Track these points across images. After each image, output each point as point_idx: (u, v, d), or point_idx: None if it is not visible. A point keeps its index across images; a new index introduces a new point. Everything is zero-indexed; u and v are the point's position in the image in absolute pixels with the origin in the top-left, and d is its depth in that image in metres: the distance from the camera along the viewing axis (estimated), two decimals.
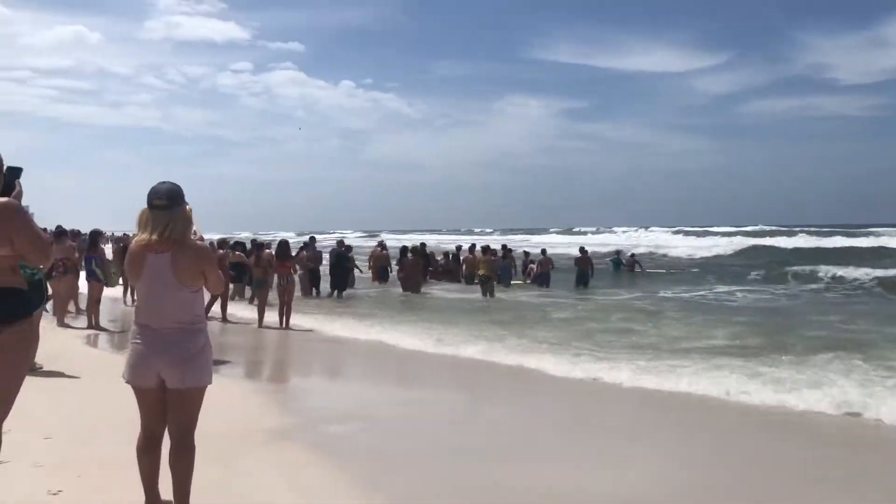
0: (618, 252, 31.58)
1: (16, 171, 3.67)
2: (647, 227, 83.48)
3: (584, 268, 24.05)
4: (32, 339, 3.54)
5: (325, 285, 20.66)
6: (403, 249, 22.62)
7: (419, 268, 21.75)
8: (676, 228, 76.41)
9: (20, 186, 3.65)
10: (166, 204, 3.76)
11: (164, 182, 3.86)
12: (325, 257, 22.14)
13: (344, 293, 20.30)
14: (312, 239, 21.98)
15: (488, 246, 23.03)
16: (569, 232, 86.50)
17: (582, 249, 25.74)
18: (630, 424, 7.07)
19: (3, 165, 3.54)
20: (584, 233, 79.18)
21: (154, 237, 3.74)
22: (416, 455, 5.80)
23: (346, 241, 24.68)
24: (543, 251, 25.81)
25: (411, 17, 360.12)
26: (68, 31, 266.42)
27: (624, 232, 76.86)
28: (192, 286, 3.82)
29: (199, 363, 3.84)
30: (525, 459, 5.59)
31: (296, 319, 14.42)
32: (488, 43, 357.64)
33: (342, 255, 21.09)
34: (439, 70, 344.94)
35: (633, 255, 31.99)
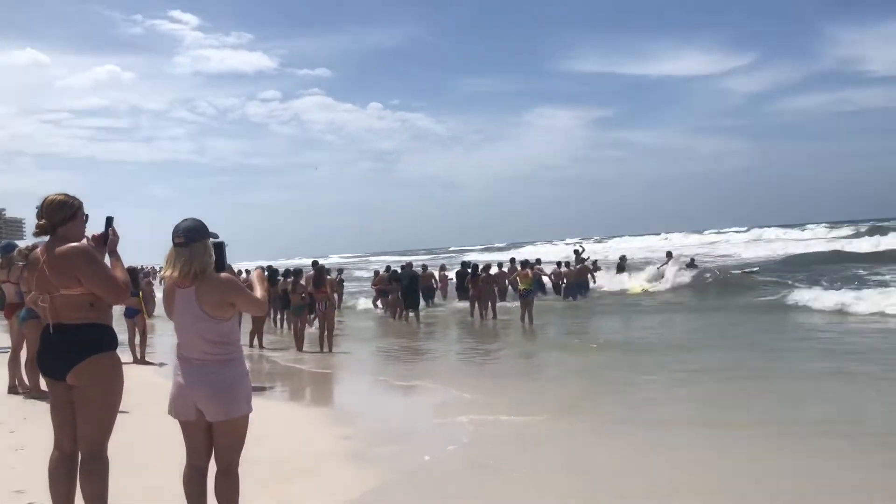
0: (668, 253, 29.48)
1: (109, 220, 4.13)
2: (701, 231, 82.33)
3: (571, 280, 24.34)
4: (115, 371, 3.90)
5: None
6: (475, 268, 21.76)
7: (491, 287, 20.83)
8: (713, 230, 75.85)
9: (114, 233, 4.11)
10: (184, 241, 3.86)
11: (186, 219, 3.97)
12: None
13: (421, 313, 20.59)
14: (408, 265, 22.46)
15: (527, 260, 22.89)
16: (606, 238, 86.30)
17: (578, 257, 25.79)
18: None
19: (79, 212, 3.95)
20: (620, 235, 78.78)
21: (175, 273, 3.85)
22: (464, 477, 5.71)
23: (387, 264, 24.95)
24: (576, 256, 25.81)
25: (435, 36, 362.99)
26: (104, 72, 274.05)
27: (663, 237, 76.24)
28: (219, 317, 3.86)
29: (235, 393, 3.87)
30: None
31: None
32: (514, 57, 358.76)
33: (415, 275, 21.31)
34: (466, 87, 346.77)
35: (692, 258, 30.88)
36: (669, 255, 28.30)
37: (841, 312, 16.34)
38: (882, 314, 15.56)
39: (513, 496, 5.08)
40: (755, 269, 31.24)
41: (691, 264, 29.14)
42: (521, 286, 18.98)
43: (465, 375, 11.21)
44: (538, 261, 26.43)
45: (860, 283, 20.95)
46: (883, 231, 46.72)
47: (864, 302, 16.61)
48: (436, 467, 5.93)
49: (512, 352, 13.37)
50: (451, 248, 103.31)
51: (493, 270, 21.98)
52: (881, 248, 36.14)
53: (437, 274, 26.57)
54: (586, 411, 7.50)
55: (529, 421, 7.37)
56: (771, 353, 11.27)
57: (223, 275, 3.94)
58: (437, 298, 25.42)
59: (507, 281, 23.44)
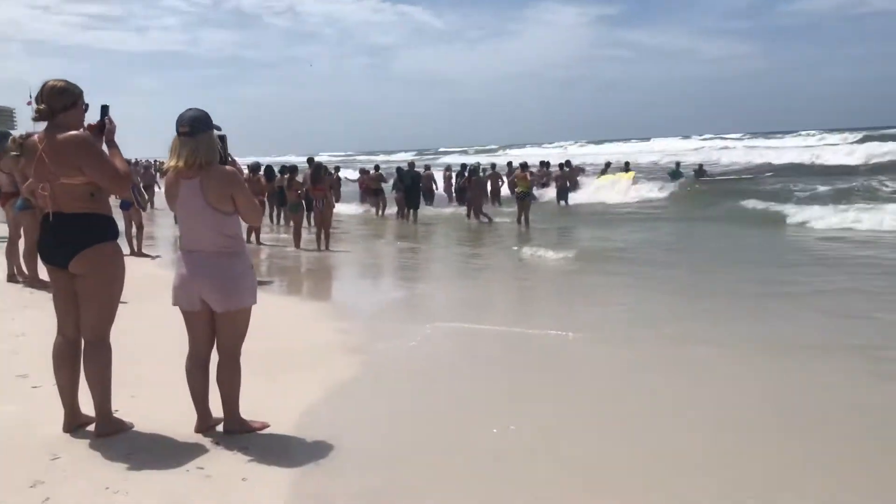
0: (677, 163, 29.53)
1: (104, 109, 4.05)
2: (686, 136, 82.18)
3: (562, 184, 23.95)
4: (117, 260, 3.91)
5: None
6: (473, 170, 22.05)
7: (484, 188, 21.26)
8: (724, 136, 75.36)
9: (111, 122, 4.02)
10: (189, 131, 3.79)
11: (190, 109, 3.89)
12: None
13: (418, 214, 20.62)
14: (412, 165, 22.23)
15: (525, 163, 22.71)
16: (605, 141, 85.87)
17: (566, 163, 25.41)
18: None
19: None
20: (628, 139, 78.43)
21: (180, 163, 3.80)
22: (458, 370, 5.83)
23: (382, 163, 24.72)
24: (566, 163, 25.51)
25: None
26: None
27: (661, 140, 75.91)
28: (223, 210, 3.83)
29: (240, 284, 3.89)
30: None
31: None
32: None
33: (416, 176, 21.12)
34: None
35: (700, 165, 30.56)
36: (627, 165, 27.48)
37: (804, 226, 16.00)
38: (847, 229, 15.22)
39: (492, 386, 5.19)
40: (749, 176, 31.20)
41: (700, 172, 28.91)
42: (518, 188, 18.91)
43: (462, 279, 11.29)
44: (546, 163, 26.25)
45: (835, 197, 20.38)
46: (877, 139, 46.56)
47: (829, 217, 16.22)
48: (424, 361, 6.04)
49: (507, 257, 13.40)
50: (440, 149, 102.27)
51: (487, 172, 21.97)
52: (864, 160, 35.68)
53: (439, 175, 26.27)
54: (584, 324, 7.44)
55: (522, 333, 7.44)
56: (758, 268, 11.28)
57: (227, 167, 3.90)
58: (438, 201, 25.29)
59: (503, 182, 23.43)
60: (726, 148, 58.59)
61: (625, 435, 4.22)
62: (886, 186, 21.46)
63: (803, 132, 75.07)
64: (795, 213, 17.23)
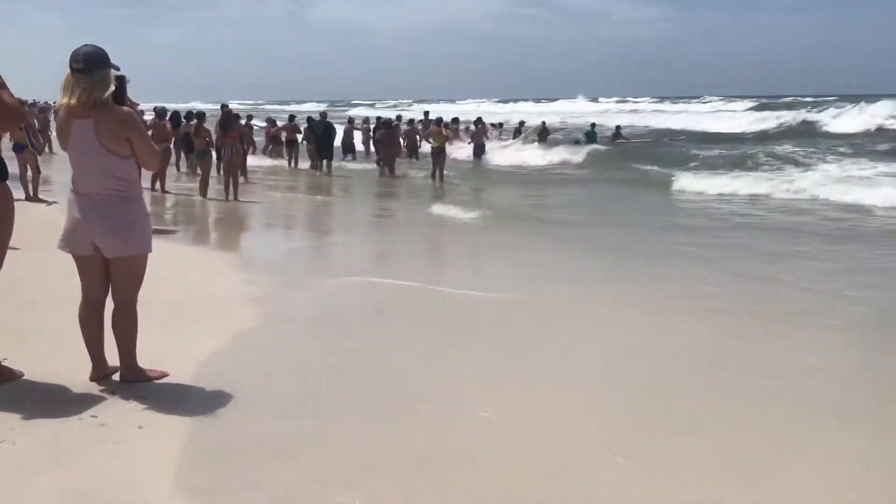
0: (592, 125, 29.65)
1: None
2: (595, 99, 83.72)
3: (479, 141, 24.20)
4: (5, 202, 3.74)
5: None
6: (388, 122, 21.93)
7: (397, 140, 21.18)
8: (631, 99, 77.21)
9: None
10: (84, 67, 3.62)
11: (86, 45, 3.71)
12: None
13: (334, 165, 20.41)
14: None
15: (441, 118, 22.65)
16: (520, 100, 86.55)
17: (478, 120, 25.78)
18: None
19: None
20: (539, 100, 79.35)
21: (73, 101, 3.63)
22: (365, 324, 5.86)
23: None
24: (479, 120, 25.74)
25: None
26: None
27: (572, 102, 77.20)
28: (117, 152, 3.70)
29: (135, 230, 3.79)
30: None
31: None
32: None
33: (329, 126, 20.71)
34: None
35: (618, 126, 31.05)
36: (479, 121, 26.96)
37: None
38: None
39: (400, 341, 5.25)
40: (648, 140, 32.15)
41: (617, 134, 29.49)
42: (434, 143, 18.91)
43: (373, 234, 11.28)
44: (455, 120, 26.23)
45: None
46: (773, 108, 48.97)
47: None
48: (330, 314, 6.05)
49: (420, 213, 13.37)
50: (353, 101, 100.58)
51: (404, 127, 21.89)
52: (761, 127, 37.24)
53: (357, 127, 25.87)
54: (496, 283, 7.50)
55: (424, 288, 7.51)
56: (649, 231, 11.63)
57: (124, 108, 3.76)
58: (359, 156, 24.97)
59: (419, 137, 23.38)
60: (636, 112, 59.96)
61: (535, 392, 4.27)
62: (781, 153, 22.32)
63: (707, 98, 78.02)
64: (695, 179, 17.65)
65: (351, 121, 25.66)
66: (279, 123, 24.32)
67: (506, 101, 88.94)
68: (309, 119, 21.64)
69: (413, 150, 23.87)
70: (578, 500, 3.03)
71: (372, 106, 76.79)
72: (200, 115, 15.77)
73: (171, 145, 16.39)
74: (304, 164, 21.05)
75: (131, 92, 3.89)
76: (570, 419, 3.86)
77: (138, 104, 4.03)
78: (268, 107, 72.49)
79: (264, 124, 25.37)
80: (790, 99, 66.07)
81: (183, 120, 17.82)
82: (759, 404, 4.14)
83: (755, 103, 59.82)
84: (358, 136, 24.74)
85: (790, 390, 4.39)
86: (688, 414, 3.99)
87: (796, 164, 20.21)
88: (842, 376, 4.78)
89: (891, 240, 10.12)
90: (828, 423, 3.88)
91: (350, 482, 3.08)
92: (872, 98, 40.64)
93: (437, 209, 12.92)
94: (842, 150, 23.42)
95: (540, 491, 3.07)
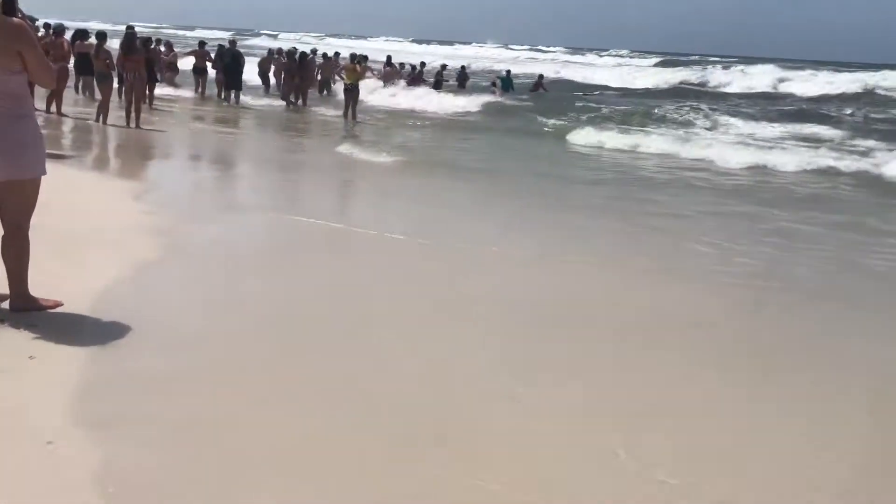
0: (508, 71, 29.13)
1: None
2: (506, 46, 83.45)
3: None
4: None
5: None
6: (303, 55, 21.35)
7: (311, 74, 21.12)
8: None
9: None
10: None
11: None
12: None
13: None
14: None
15: (355, 54, 22.16)
16: (433, 42, 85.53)
17: (388, 60, 26.15)
18: None
19: None
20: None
21: None
22: (268, 259, 5.82)
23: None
24: (388, 58, 25.60)
25: None
26: None
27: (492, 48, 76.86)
28: (7, 66, 3.51)
29: (26, 152, 3.63)
30: None
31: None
32: None
33: (238, 55, 19.94)
34: None
35: (541, 76, 30.07)
36: (388, 59, 26.98)
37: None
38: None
39: (302, 280, 5.26)
40: (578, 94, 32.08)
41: (538, 84, 29.02)
42: (347, 80, 18.55)
43: (281, 170, 11.05)
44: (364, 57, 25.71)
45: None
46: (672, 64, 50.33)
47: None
48: (232, 248, 6.00)
49: (330, 151, 13.16)
50: (261, 31, 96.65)
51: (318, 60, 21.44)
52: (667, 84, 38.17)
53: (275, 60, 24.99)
54: (407, 226, 7.49)
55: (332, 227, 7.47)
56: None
57: (14, 20, 3.53)
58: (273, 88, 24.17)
59: (334, 73, 22.88)
60: (552, 61, 60.12)
61: (443, 335, 4.32)
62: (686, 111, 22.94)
63: (613, 52, 79.46)
64: (606, 133, 17.84)
65: (271, 52, 24.71)
66: (176, 50, 23.26)
67: (425, 42, 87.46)
68: (219, 47, 20.81)
69: (326, 85, 23.39)
70: (476, 436, 3.15)
71: (275, 37, 73.85)
72: (101, 35, 14.90)
73: (70, 65, 15.46)
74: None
75: (25, 5, 3.67)
76: (467, 359, 3.97)
77: (37, 19, 3.80)
78: (169, 31, 68.66)
79: (163, 48, 24.18)
80: (696, 57, 68.03)
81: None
82: (649, 352, 4.34)
83: (661, 59, 61.40)
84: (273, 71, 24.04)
85: (678, 341, 4.60)
86: (579, 359, 4.16)
87: (701, 120, 20.83)
88: (725, 329, 5.04)
89: (788, 201, 10.57)
90: (709, 373, 4.11)
91: (246, 416, 3.10)
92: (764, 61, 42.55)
93: (348, 148, 12.74)
94: (744, 110, 24.24)
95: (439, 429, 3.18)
